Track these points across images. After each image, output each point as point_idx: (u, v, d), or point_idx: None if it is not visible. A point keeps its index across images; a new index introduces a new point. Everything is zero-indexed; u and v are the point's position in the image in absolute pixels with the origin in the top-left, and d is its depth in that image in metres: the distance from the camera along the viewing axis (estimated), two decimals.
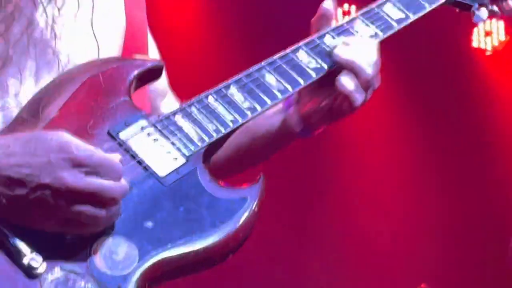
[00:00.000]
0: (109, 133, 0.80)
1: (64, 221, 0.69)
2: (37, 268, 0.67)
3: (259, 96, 0.93)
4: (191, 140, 0.85)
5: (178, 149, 0.83)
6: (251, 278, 4.63)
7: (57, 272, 0.69)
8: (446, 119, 5.09)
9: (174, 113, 0.88)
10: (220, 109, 0.89)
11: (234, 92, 0.92)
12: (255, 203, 0.82)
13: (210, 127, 0.87)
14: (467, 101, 4.99)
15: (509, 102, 5.03)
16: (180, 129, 0.86)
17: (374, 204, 5.00)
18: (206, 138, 0.86)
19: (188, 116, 0.88)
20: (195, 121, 0.87)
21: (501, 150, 5.05)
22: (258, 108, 0.92)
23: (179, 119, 0.87)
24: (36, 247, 0.68)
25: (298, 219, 4.88)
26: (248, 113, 0.91)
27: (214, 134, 0.86)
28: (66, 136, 0.68)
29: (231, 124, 0.89)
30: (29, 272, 0.67)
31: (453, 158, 5.13)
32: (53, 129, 0.74)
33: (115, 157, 0.73)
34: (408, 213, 4.99)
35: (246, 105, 0.92)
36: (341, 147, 5.11)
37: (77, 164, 0.66)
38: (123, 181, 0.70)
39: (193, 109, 0.88)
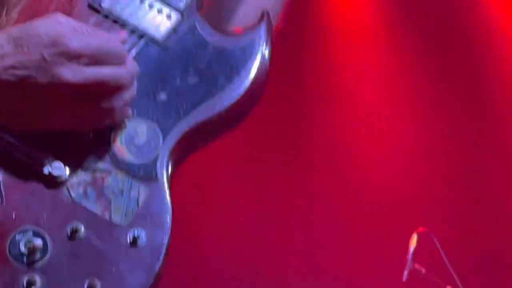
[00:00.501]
0: (90, 6, 0.72)
1: (75, 119, 0.65)
2: (60, 176, 0.64)
3: None
4: None
5: (168, 4, 0.75)
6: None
7: (81, 175, 0.67)
8: (442, 48, 4.92)
9: None
10: None
11: None
12: (265, 45, 0.76)
13: None
14: (464, 31, 4.90)
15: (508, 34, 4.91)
16: None
17: (368, 144, 4.92)
18: None
19: None
20: None
21: (500, 80, 4.88)
22: None
23: None
24: (53, 154, 0.65)
25: (287, 154, 4.90)
26: None
27: None
28: (57, 27, 0.62)
29: None
30: (53, 182, 0.64)
31: (450, 87, 4.92)
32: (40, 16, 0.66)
33: (116, 37, 0.69)
34: (404, 154, 4.90)
35: None
36: (334, 83, 5.06)
37: (74, 56, 0.60)
38: (130, 63, 0.65)
39: None
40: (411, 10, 4.78)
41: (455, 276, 3.29)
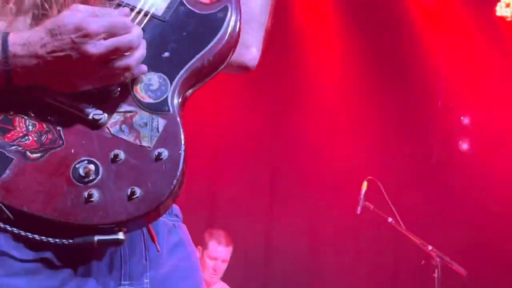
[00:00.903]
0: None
1: (106, 77, 0.79)
2: (100, 119, 0.78)
3: None
4: None
5: None
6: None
7: (116, 117, 0.80)
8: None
9: None
10: None
11: None
12: (235, 8, 0.91)
13: None
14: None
15: None
16: None
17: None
18: None
19: None
20: None
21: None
22: None
23: None
24: (93, 105, 0.79)
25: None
26: None
27: None
28: (77, 16, 0.75)
29: None
30: (96, 124, 0.78)
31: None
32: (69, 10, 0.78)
33: (123, 12, 0.81)
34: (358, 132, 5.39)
35: None
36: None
37: (94, 35, 0.73)
38: (135, 29, 0.78)
39: None
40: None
41: (394, 211, 3.75)
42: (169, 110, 0.82)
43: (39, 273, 0.79)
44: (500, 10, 5.12)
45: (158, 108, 0.82)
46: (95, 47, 0.73)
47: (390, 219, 3.74)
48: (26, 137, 0.76)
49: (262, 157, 5.38)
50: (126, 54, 0.77)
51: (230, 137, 5.20)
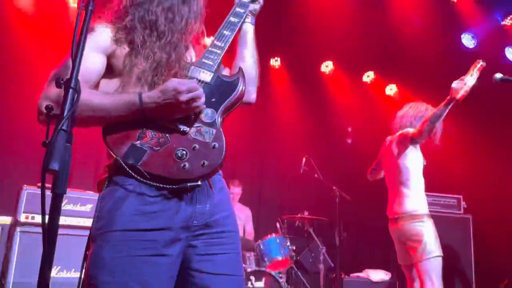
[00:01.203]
0: (186, 76, 1.30)
1: (188, 111, 1.20)
2: (186, 130, 1.21)
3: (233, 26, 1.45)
4: (215, 56, 1.37)
5: (210, 68, 1.34)
6: None
7: (193, 129, 1.23)
8: None
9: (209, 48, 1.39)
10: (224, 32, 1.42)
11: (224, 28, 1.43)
12: (242, 78, 1.36)
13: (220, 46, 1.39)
14: None
15: None
16: (211, 57, 1.36)
17: None
18: (221, 50, 1.38)
19: (212, 47, 1.39)
20: (213, 52, 1.38)
21: None
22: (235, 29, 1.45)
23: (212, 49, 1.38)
24: (181, 123, 1.22)
25: None
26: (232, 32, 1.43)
27: (224, 45, 1.39)
28: (174, 83, 1.16)
29: (228, 38, 1.41)
30: (184, 132, 1.21)
31: None
32: (169, 81, 1.18)
33: (193, 81, 1.24)
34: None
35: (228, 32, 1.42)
36: None
37: (181, 92, 1.15)
38: (200, 89, 1.20)
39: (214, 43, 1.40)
40: None
41: (320, 176, 4.44)
42: (216, 125, 1.26)
43: (159, 202, 1.17)
44: None
45: (211, 125, 1.26)
46: (183, 97, 1.17)
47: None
48: (152, 140, 1.19)
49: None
50: (196, 100, 1.20)
51: None
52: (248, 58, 1.53)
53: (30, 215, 3.20)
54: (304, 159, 4.50)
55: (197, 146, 1.20)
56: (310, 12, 4.67)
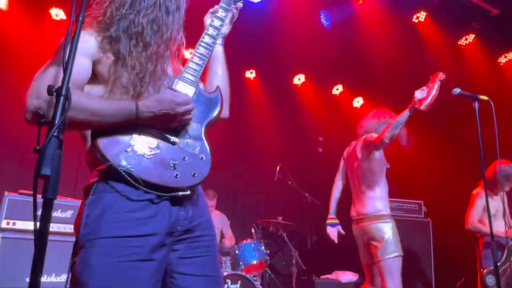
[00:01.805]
0: (171, 89, 1.28)
1: (181, 121, 1.23)
2: (176, 141, 1.23)
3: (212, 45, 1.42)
4: (195, 73, 1.35)
5: (193, 83, 1.33)
6: None
7: (180, 140, 1.24)
8: None
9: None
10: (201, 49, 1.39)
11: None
12: (220, 94, 1.39)
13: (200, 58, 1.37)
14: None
15: None
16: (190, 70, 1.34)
17: None
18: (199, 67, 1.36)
19: (192, 64, 1.36)
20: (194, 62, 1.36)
21: None
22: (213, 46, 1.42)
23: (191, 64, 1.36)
24: (171, 134, 1.23)
25: None
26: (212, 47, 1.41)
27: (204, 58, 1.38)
28: (169, 95, 1.21)
29: (206, 57, 1.39)
30: (173, 143, 1.23)
31: None
32: (164, 92, 1.21)
33: (187, 95, 1.26)
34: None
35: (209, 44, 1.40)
36: None
37: (179, 104, 1.19)
38: (191, 103, 1.23)
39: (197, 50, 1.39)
40: None
41: (293, 184, 4.62)
42: (202, 138, 1.31)
43: (146, 209, 1.16)
44: None
45: (198, 137, 1.30)
46: (180, 109, 1.21)
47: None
48: (143, 147, 1.19)
49: None
50: (190, 113, 1.25)
51: None
52: (222, 75, 1.54)
53: (12, 221, 3.17)
54: (278, 167, 4.61)
55: (187, 157, 1.23)
56: (284, 28, 4.78)
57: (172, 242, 1.21)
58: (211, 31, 1.44)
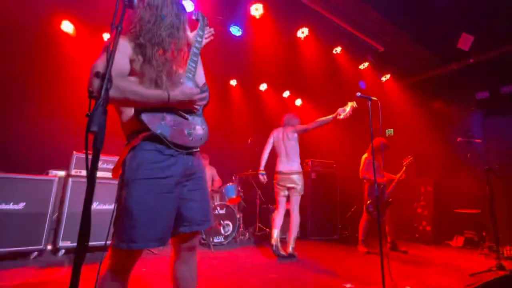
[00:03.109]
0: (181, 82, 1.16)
1: (196, 106, 1.15)
2: (188, 117, 1.16)
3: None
4: (192, 72, 1.23)
5: (191, 79, 1.21)
6: None
7: (190, 117, 1.18)
8: None
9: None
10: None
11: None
12: (207, 88, 1.26)
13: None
14: None
15: None
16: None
17: None
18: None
19: (190, 66, 1.24)
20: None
21: None
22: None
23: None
24: (185, 113, 1.16)
25: None
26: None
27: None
28: (188, 88, 1.12)
29: (198, 61, 1.27)
30: (187, 118, 1.16)
31: None
32: (184, 87, 1.12)
33: (198, 89, 1.16)
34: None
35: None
36: None
37: (194, 95, 1.12)
38: (203, 95, 1.16)
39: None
40: None
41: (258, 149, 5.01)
42: (202, 115, 1.25)
43: (169, 159, 1.11)
44: None
45: (200, 115, 1.24)
46: (194, 97, 1.14)
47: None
48: (170, 121, 1.12)
49: None
50: (201, 101, 1.18)
51: None
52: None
53: (78, 170, 3.08)
54: (249, 139, 4.57)
55: (195, 127, 1.19)
56: (254, 50, 4.64)
57: (184, 180, 1.17)
58: (197, 44, 1.32)
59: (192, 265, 1.22)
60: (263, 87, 6.01)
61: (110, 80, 0.80)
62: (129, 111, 1.14)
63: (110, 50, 0.83)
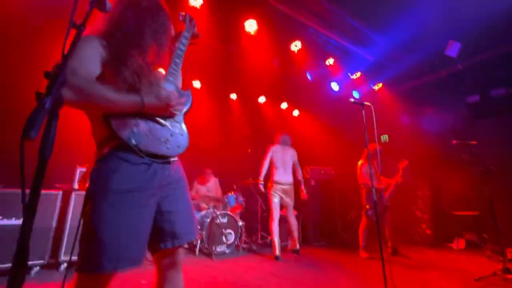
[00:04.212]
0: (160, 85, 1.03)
1: (173, 112, 1.03)
2: (165, 123, 1.04)
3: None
4: (174, 76, 1.13)
5: (173, 83, 1.12)
6: None
7: (168, 123, 1.05)
8: None
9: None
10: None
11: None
12: (190, 92, 1.17)
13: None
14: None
15: None
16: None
17: None
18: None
19: (172, 69, 1.14)
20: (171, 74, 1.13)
21: None
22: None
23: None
24: (162, 119, 1.04)
25: None
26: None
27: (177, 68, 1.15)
28: (165, 93, 0.99)
29: (180, 64, 1.17)
30: (164, 125, 1.03)
31: None
32: (160, 91, 0.99)
33: (177, 94, 1.03)
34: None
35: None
36: None
37: (173, 98, 1.00)
38: (181, 98, 1.04)
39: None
40: None
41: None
42: (182, 121, 1.12)
43: (142, 170, 0.98)
44: None
45: (179, 121, 1.11)
46: (173, 102, 1.02)
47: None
48: (144, 128, 1.00)
49: None
50: (179, 107, 1.05)
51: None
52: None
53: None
54: (249, 150, 4.61)
55: (173, 134, 1.06)
56: (254, 62, 4.56)
57: (160, 191, 1.02)
58: (181, 47, 1.20)
59: (178, 285, 1.06)
60: (261, 99, 5.98)
61: (63, 82, 0.67)
62: (99, 116, 0.98)
63: (64, 51, 0.70)
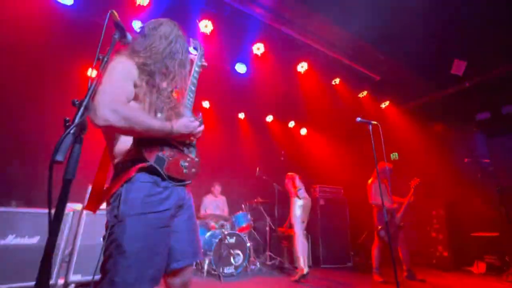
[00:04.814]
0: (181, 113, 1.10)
1: (193, 138, 1.11)
2: (184, 149, 1.10)
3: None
4: (191, 104, 1.16)
5: (190, 111, 1.14)
6: None
7: (185, 148, 1.12)
8: None
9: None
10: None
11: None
12: (202, 119, 1.17)
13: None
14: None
15: None
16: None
17: None
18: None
19: (189, 96, 1.16)
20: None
21: None
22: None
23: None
24: (181, 145, 1.10)
25: None
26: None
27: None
28: (190, 121, 1.05)
29: (195, 91, 1.19)
30: (182, 151, 1.09)
31: None
32: (186, 120, 1.06)
33: (198, 123, 1.10)
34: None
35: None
36: None
37: (195, 128, 1.07)
38: (200, 126, 1.10)
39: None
40: None
41: (267, 178, 4.72)
42: (195, 146, 1.18)
43: (164, 192, 1.03)
44: None
45: (194, 146, 1.18)
46: (195, 131, 1.10)
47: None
48: (167, 153, 1.05)
49: None
50: (199, 134, 1.13)
51: None
52: None
53: None
54: (258, 169, 4.43)
55: (189, 159, 1.12)
56: (261, 82, 4.65)
57: (175, 212, 1.08)
58: (195, 74, 1.25)
59: None
60: (269, 118, 5.99)
61: (86, 108, 0.72)
62: (124, 139, 1.04)
63: (91, 80, 0.77)
